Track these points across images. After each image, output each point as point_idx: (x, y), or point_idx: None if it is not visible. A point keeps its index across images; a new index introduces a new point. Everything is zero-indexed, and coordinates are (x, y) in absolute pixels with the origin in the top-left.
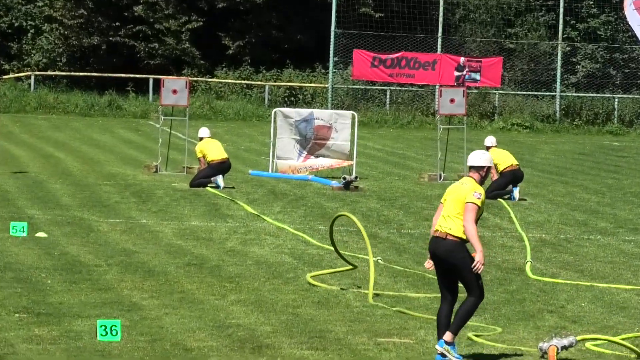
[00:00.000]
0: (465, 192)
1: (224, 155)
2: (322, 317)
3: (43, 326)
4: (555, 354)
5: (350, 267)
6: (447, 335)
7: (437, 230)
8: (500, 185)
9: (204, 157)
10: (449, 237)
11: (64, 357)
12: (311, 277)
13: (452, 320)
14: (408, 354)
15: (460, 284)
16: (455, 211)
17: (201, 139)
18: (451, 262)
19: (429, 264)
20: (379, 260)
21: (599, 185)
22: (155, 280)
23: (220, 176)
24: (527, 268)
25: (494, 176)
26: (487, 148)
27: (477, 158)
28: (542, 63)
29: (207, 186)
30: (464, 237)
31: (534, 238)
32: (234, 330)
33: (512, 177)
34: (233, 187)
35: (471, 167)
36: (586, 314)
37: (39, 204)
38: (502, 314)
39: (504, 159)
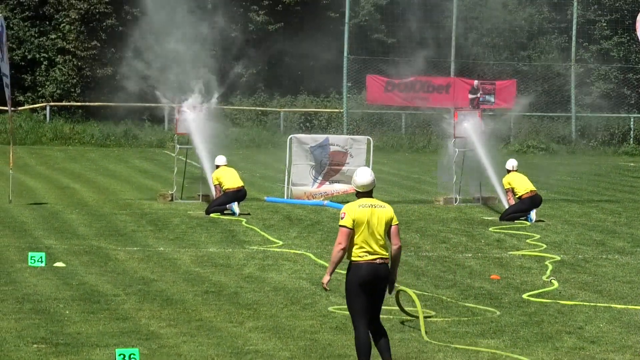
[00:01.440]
0: (391, 215)
1: (240, 184)
2: (340, 342)
3: (62, 356)
4: None
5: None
6: None
7: (379, 257)
8: (519, 209)
9: (219, 184)
10: (387, 262)
11: None
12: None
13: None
14: None
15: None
16: (384, 236)
17: (217, 166)
18: (385, 284)
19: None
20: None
21: (615, 206)
22: (173, 308)
23: (236, 203)
24: (554, 283)
25: (511, 200)
26: (508, 171)
27: (369, 184)
28: (556, 84)
29: (223, 213)
30: None
31: (552, 258)
32: (252, 357)
33: (531, 203)
34: (249, 214)
35: (369, 191)
36: (605, 334)
37: (56, 235)
38: (521, 335)
39: (522, 185)
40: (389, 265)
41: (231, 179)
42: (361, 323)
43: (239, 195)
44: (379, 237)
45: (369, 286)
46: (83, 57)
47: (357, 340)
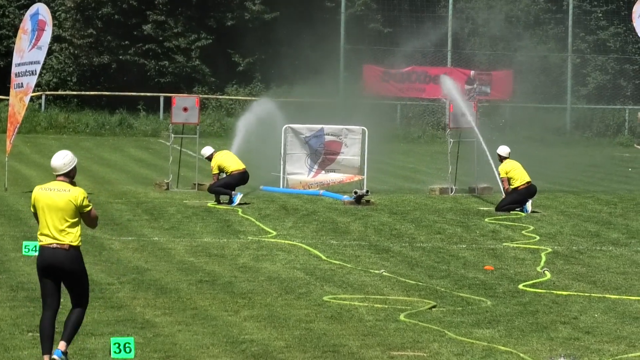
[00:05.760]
0: (75, 200)
1: (243, 166)
2: (335, 332)
3: (56, 345)
4: None
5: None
6: (63, 345)
7: (55, 242)
8: (515, 200)
9: (220, 172)
10: (71, 248)
11: None
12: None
13: (62, 329)
14: None
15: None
16: (69, 221)
17: (208, 158)
18: (74, 271)
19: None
20: (383, 273)
21: (610, 196)
22: (167, 297)
23: (240, 195)
24: (547, 274)
25: (507, 187)
26: (502, 158)
27: (58, 167)
28: (552, 75)
29: (219, 202)
30: (80, 245)
31: (546, 250)
32: (248, 346)
33: (527, 193)
34: (247, 204)
35: (61, 174)
36: (599, 324)
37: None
38: (515, 325)
39: (520, 176)
40: (73, 250)
41: (234, 162)
42: (46, 307)
43: (244, 176)
44: (62, 220)
45: (51, 271)
46: (79, 45)
47: (40, 323)
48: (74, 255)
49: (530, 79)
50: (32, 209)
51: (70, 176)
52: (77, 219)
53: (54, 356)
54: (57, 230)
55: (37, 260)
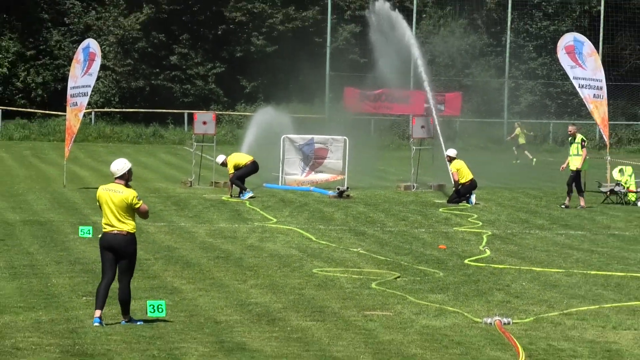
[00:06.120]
0: (126, 199)
1: (252, 157)
2: (321, 297)
3: (105, 306)
4: (501, 325)
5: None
6: (126, 316)
7: (115, 229)
8: (462, 194)
9: (235, 170)
10: (128, 234)
11: (122, 329)
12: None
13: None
14: (388, 323)
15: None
16: (126, 214)
17: (223, 163)
18: (129, 252)
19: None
20: (360, 250)
21: (537, 192)
22: (191, 270)
23: (251, 192)
24: (487, 252)
25: (457, 179)
26: (451, 158)
27: (115, 171)
28: (493, 96)
29: (231, 195)
30: (135, 232)
31: (487, 233)
32: (253, 307)
33: (471, 187)
34: (253, 197)
35: (117, 177)
36: (526, 290)
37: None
38: (461, 292)
39: (465, 174)
40: (130, 236)
41: (244, 157)
42: (104, 277)
43: (256, 166)
44: (118, 214)
45: (109, 250)
46: (120, 72)
47: (98, 288)
48: (130, 239)
49: (475, 99)
50: (97, 204)
51: (124, 179)
52: (130, 213)
53: (129, 324)
54: (116, 220)
55: (99, 242)
